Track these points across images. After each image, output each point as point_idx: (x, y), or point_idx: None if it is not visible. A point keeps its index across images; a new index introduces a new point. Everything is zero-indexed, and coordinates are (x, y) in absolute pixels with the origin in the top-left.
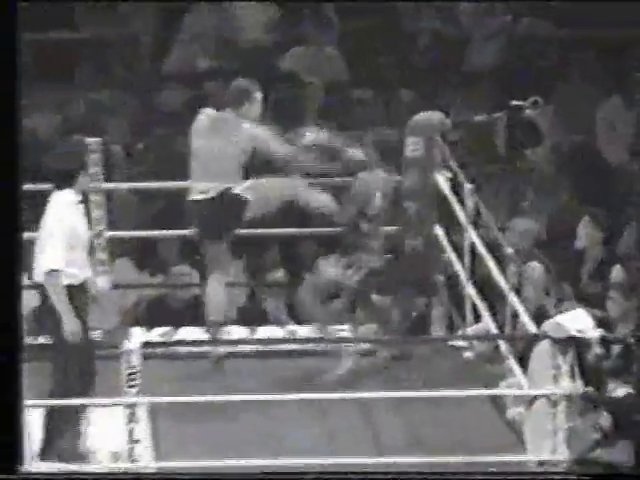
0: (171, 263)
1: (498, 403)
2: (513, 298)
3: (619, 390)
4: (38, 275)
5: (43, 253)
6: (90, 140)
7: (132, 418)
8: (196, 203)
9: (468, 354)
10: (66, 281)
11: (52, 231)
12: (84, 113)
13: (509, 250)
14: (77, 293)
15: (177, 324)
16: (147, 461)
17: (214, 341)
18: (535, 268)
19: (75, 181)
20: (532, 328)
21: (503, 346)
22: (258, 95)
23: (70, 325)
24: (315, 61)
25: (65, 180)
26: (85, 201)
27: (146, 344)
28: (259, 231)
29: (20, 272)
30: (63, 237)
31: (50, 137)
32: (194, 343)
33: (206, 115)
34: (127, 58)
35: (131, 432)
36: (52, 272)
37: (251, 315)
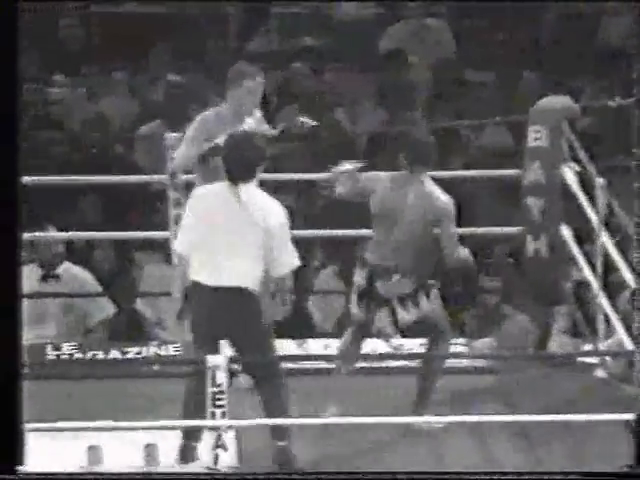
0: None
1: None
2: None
3: None
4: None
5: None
6: (169, 135)
7: (218, 443)
8: None
9: (600, 373)
10: None
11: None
12: (162, 97)
13: None
14: None
15: None
16: None
17: (308, 356)
18: None
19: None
20: None
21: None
22: (259, 79)
23: None
24: (420, 37)
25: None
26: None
27: (233, 359)
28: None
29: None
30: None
31: (126, 123)
32: (290, 358)
33: None
34: (209, 36)
35: (216, 459)
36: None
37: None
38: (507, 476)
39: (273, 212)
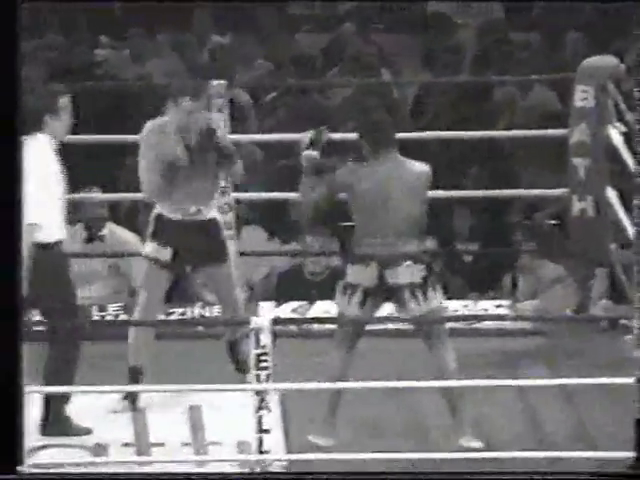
0: (306, 230)
1: None
2: None
3: None
4: None
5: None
6: (213, 83)
7: (262, 405)
8: None
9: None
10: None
11: (26, 181)
12: (206, 58)
13: None
14: (48, 254)
15: (312, 298)
16: (277, 452)
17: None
18: None
19: (46, 126)
20: None
21: None
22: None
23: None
24: None
25: (36, 123)
26: (61, 151)
27: (277, 321)
28: None
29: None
30: (39, 188)
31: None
32: (329, 320)
33: None
34: None
35: (260, 421)
36: (29, 226)
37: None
38: (508, 476)
39: None
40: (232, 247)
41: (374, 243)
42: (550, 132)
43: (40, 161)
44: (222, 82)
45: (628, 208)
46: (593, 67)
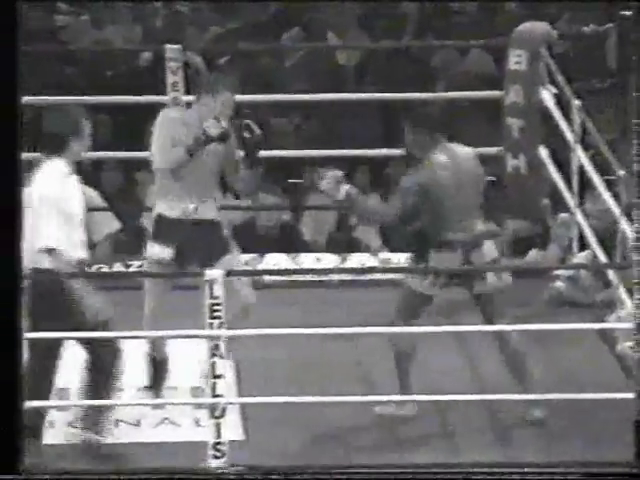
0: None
1: (607, 337)
2: (624, 223)
3: None
4: (31, 255)
5: (37, 231)
6: (169, 47)
7: (215, 352)
8: None
9: (559, 284)
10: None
11: (46, 206)
12: (164, 25)
13: (621, 171)
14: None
15: (264, 250)
16: (229, 397)
17: (300, 270)
18: None
19: (67, 149)
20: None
21: (612, 276)
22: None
23: (94, 308)
24: None
25: (56, 147)
26: (78, 172)
27: (229, 273)
28: (347, 152)
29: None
30: (58, 213)
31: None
32: (280, 271)
33: None
34: None
35: (213, 366)
36: (50, 251)
37: (341, 242)
38: (508, 476)
39: None
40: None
41: (457, 228)
42: (486, 94)
43: (59, 186)
44: (177, 46)
45: (559, 165)
46: (526, 32)
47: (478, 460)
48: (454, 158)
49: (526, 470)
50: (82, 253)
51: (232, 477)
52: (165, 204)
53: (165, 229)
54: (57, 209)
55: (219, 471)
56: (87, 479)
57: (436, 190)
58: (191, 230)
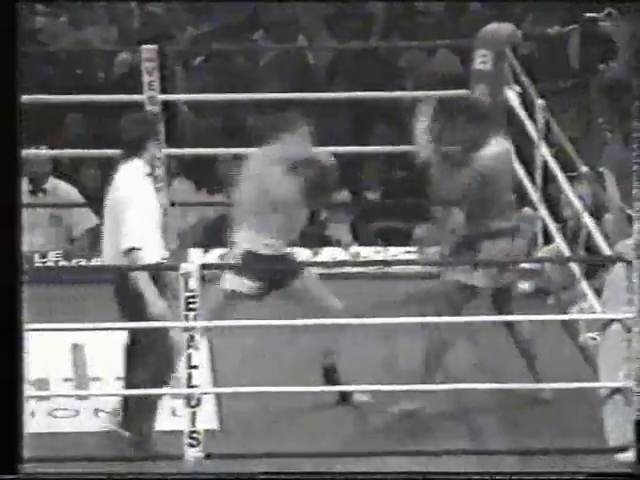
0: (230, 182)
1: (570, 329)
2: (587, 218)
3: None
4: (113, 256)
5: (120, 231)
6: (145, 47)
7: (190, 343)
8: None
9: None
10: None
11: (128, 207)
12: (140, 26)
13: (584, 168)
14: (156, 274)
15: None
16: (205, 387)
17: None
18: (612, 190)
19: (145, 150)
20: (606, 250)
21: (576, 269)
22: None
23: (157, 308)
24: None
25: (135, 149)
26: (153, 173)
27: (205, 266)
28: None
29: (21, 250)
30: (140, 213)
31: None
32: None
33: None
34: None
35: (189, 358)
36: (133, 251)
37: (312, 237)
38: (507, 476)
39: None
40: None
41: (506, 217)
42: (452, 93)
43: (139, 187)
44: (153, 47)
45: (524, 161)
46: (492, 33)
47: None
48: (505, 150)
49: (524, 471)
50: (162, 254)
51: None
52: (259, 241)
53: (254, 264)
54: (142, 209)
55: None
56: (86, 479)
57: (494, 179)
58: (276, 264)
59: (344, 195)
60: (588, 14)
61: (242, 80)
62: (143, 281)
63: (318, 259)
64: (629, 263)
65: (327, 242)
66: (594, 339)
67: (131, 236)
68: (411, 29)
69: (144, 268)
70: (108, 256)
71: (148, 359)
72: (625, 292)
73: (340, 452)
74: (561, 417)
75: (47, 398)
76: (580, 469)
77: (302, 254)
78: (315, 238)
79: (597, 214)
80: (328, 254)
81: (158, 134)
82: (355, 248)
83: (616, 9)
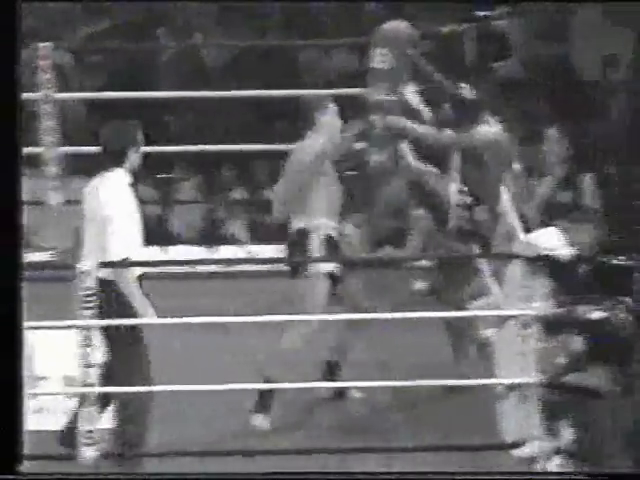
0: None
1: (469, 325)
2: (479, 210)
3: (594, 313)
4: (94, 265)
5: (108, 241)
6: (41, 45)
7: (87, 342)
8: None
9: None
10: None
11: (114, 216)
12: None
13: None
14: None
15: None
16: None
17: (171, 261)
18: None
19: (127, 160)
20: (504, 247)
21: (480, 264)
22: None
23: (149, 315)
24: None
25: (117, 159)
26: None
27: (103, 264)
28: (213, 147)
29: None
30: (126, 222)
31: None
32: (153, 263)
33: None
34: None
35: (85, 356)
36: (124, 261)
37: (210, 235)
38: (507, 476)
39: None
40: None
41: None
42: (351, 91)
43: (122, 196)
44: (48, 44)
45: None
46: (390, 31)
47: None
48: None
49: (524, 470)
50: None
51: None
52: (330, 226)
53: (332, 248)
54: (129, 221)
55: None
56: (85, 479)
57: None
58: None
59: (241, 193)
60: (482, 13)
61: (140, 78)
62: (133, 288)
63: (215, 257)
64: (526, 260)
65: (224, 240)
66: (491, 335)
67: (122, 248)
68: (309, 28)
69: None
70: (89, 263)
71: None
72: (522, 289)
73: (235, 450)
74: (458, 414)
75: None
76: (478, 466)
77: (200, 252)
78: (212, 236)
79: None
80: (225, 252)
81: (140, 143)
82: (253, 246)
83: (510, 8)
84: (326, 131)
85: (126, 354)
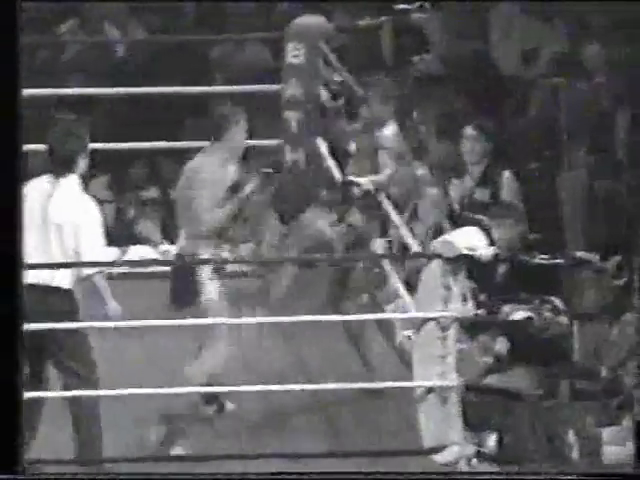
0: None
1: (386, 328)
2: (395, 215)
3: (517, 313)
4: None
5: (84, 244)
6: None
7: None
8: None
9: None
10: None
11: (83, 229)
12: None
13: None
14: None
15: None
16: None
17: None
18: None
19: (77, 165)
20: (416, 247)
21: (389, 266)
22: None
23: (117, 308)
24: None
25: (68, 164)
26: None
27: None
28: (122, 145)
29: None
30: (96, 234)
31: None
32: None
33: None
34: None
35: None
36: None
37: (120, 234)
38: (507, 476)
39: None
40: None
41: None
42: (264, 87)
43: (87, 206)
44: None
45: (335, 158)
46: (303, 26)
47: None
48: None
49: (524, 470)
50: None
51: None
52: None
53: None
54: (97, 229)
55: None
56: (86, 479)
57: None
58: None
59: (153, 192)
60: (400, 6)
61: (47, 74)
62: (103, 285)
63: (127, 257)
64: (444, 260)
65: (136, 240)
66: (409, 338)
67: (98, 248)
68: (221, 22)
69: None
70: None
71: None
72: (440, 290)
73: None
74: (376, 417)
75: None
76: (391, 471)
77: (111, 252)
78: (122, 236)
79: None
80: (136, 252)
81: (87, 146)
82: (165, 246)
83: (427, 1)
84: (228, 149)
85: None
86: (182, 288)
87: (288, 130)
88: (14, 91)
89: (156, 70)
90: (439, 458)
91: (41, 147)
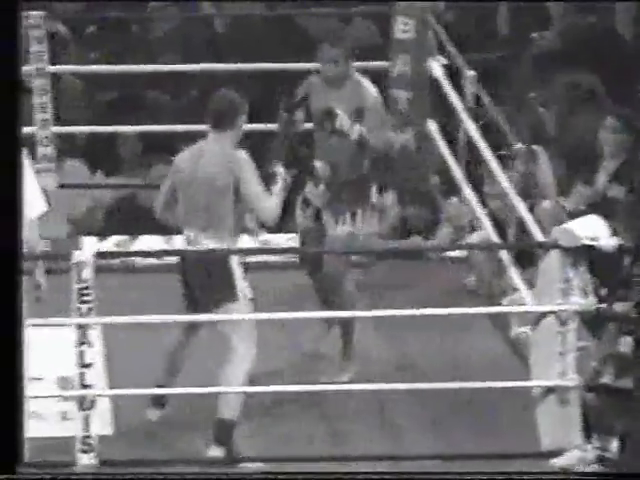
0: (130, 164)
1: (501, 322)
2: (518, 201)
3: None
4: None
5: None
6: (32, 14)
7: (83, 340)
8: None
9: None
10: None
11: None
12: None
13: (517, 145)
14: None
15: (137, 232)
16: (100, 387)
17: (172, 251)
18: (543, 166)
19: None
20: (539, 236)
21: (505, 257)
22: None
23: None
24: None
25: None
26: None
27: (100, 255)
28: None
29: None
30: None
31: None
32: (153, 254)
33: None
34: None
35: (82, 355)
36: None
37: None
38: (507, 476)
39: None
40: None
41: None
42: (371, 64)
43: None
44: (40, 13)
45: (449, 140)
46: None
47: None
48: None
49: (523, 471)
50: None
51: None
52: None
53: None
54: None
55: None
56: (86, 479)
57: None
58: None
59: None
60: None
61: (139, 51)
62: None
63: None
64: (564, 250)
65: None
66: (526, 333)
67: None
68: None
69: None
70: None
71: None
72: (559, 282)
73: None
74: (491, 418)
75: None
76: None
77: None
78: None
79: (530, 197)
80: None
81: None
82: (264, 235)
83: None
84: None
85: None
86: None
87: (396, 109)
88: (15, 86)
89: (254, 46)
90: (558, 462)
91: None
